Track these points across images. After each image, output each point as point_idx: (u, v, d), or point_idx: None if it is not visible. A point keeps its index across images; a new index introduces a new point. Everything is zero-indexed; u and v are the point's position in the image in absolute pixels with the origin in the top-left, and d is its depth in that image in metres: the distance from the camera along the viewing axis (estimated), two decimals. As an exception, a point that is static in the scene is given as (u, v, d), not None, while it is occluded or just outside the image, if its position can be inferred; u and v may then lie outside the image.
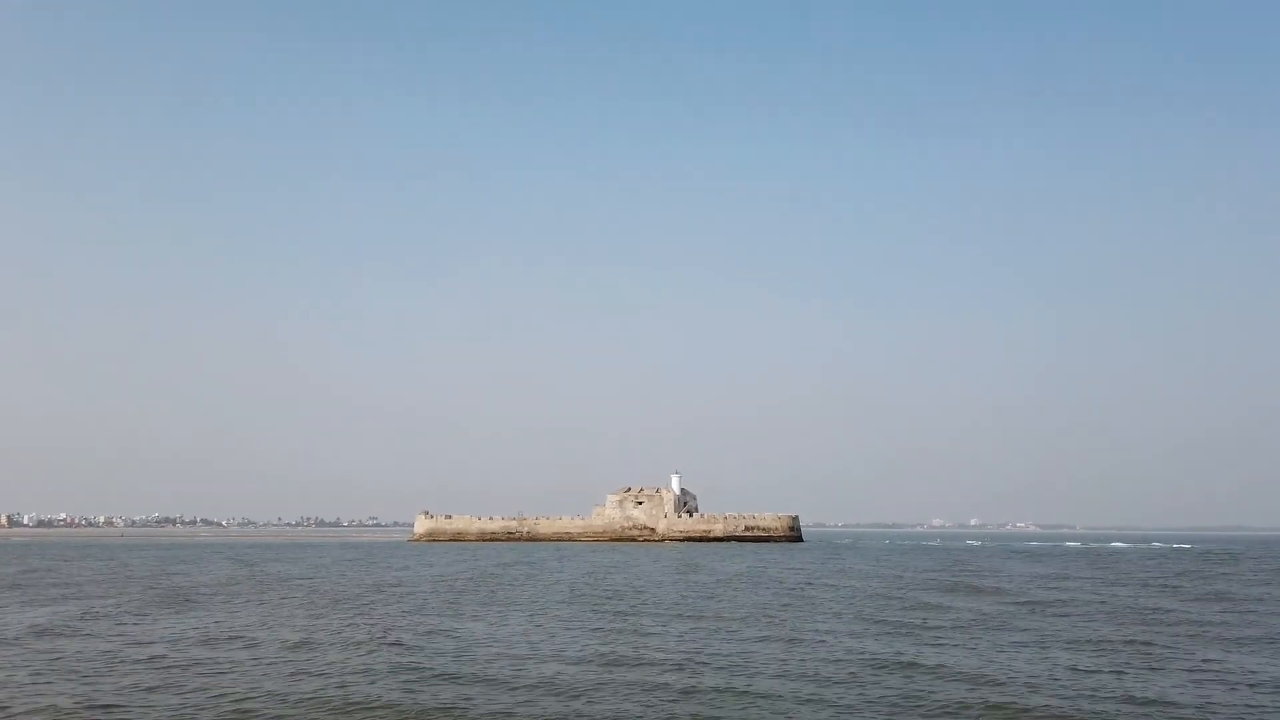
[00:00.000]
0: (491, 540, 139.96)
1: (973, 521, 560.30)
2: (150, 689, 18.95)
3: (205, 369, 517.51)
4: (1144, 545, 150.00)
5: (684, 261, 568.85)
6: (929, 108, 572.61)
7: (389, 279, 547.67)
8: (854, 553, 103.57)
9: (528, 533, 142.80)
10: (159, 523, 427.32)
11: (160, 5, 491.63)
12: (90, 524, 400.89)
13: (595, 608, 36.25)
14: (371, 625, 30.23)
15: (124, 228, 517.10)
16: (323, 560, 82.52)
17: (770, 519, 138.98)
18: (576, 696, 18.37)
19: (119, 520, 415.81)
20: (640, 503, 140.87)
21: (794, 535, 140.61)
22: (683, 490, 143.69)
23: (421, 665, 22.12)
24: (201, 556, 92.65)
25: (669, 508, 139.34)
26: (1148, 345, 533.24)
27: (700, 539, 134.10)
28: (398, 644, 25.67)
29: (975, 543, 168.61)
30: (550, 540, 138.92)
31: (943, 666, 21.61)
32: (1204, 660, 22.82)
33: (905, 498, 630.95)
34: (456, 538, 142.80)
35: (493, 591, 45.01)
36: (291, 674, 20.87)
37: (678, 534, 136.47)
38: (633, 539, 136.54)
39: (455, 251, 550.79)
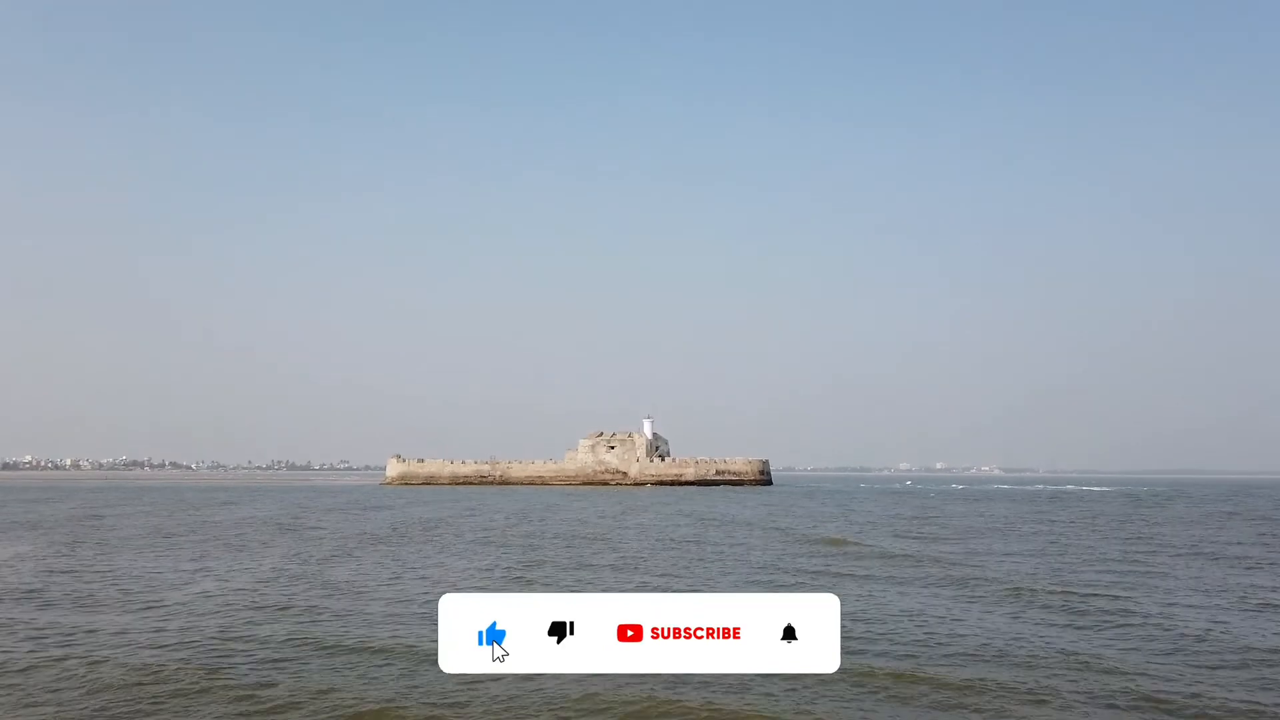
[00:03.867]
0: (464, 484, 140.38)
1: (939, 465, 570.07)
2: None
3: (179, 310, 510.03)
4: (1060, 487, 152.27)
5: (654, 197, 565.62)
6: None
7: (360, 214, 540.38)
8: (770, 494, 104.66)
9: (500, 476, 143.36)
10: (127, 465, 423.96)
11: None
12: (56, 467, 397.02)
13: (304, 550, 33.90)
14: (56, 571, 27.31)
15: (96, 166, 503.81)
16: (182, 501, 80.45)
17: (741, 463, 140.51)
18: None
19: (85, 463, 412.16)
20: (613, 447, 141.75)
21: (764, 479, 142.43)
22: (654, 434, 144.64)
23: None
24: (73, 498, 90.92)
25: (641, 452, 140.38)
26: (1120, 292, 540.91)
27: (673, 482, 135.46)
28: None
29: (909, 483, 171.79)
30: (523, 484, 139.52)
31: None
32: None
33: (876, 442, 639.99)
34: (429, 481, 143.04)
35: (273, 536, 41.18)
36: None
37: (650, 477, 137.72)
38: (605, 482, 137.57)
39: (432, 201, 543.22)
